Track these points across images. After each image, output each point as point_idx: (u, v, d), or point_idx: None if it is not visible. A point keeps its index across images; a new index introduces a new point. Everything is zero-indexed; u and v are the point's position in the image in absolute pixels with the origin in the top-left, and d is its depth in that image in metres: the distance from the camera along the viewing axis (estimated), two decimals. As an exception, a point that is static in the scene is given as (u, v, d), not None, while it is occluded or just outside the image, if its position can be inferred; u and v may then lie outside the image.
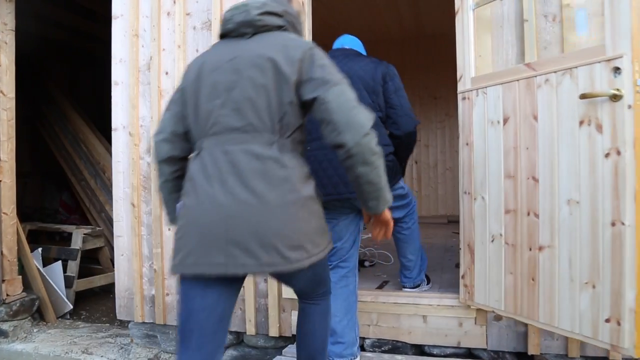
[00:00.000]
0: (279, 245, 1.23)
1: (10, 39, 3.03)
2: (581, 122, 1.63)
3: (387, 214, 1.43)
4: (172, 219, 1.53)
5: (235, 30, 1.37)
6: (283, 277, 1.49)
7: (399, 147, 2.10)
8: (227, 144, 1.29)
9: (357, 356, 2.00)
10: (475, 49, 2.12)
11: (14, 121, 3.05)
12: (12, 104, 3.04)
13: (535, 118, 1.78)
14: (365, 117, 1.28)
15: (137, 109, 2.59)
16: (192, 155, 1.40)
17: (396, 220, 2.28)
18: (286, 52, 1.29)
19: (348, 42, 2.31)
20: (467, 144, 2.10)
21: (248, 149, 1.27)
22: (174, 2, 2.52)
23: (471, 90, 2.07)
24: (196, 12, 2.50)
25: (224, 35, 1.41)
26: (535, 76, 1.78)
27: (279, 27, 1.38)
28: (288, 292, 2.36)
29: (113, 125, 2.65)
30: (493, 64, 2.15)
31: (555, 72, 1.71)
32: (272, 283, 2.37)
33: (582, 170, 1.63)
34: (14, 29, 3.04)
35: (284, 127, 1.30)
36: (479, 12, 2.13)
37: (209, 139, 1.32)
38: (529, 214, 1.82)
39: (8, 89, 3.02)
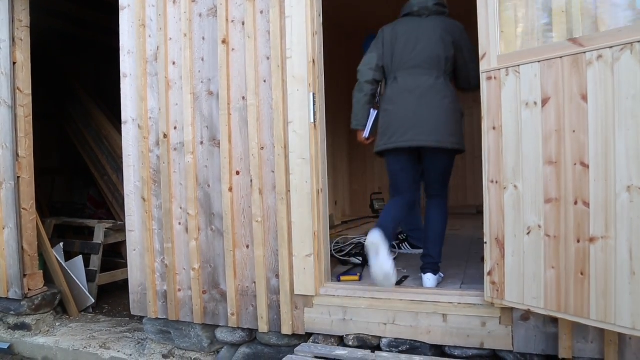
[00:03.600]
0: (444, 132, 2.18)
1: (25, 35, 3.03)
2: None
3: None
4: (358, 124, 2.39)
5: (417, 11, 2.30)
6: (436, 159, 2.29)
7: None
8: (414, 74, 2.24)
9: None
10: (500, 23, 1.93)
11: (31, 117, 3.06)
12: (28, 100, 3.05)
13: (584, 98, 1.64)
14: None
15: (145, 101, 2.53)
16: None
17: None
18: (449, 27, 2.27)
19: None
20: (493, 128, 1.94)
21: (426, 77, 2.22)
22: (179, -12, 2.44)
23: (499, 69, 1.91)
24: (202, -2, 2.41)
25: (407, 15, 2.33)
26: (584, 52, 1.64)
27: (443, 13, 2.31)
28: (300, 289, 2.26)
29: (123, 119, 2.60)
30: (519, 40, 1.96)
31: (610, 47, 1.56)
32: (284, 279, 2.27)
33: None
34: (28, 26, 3.04)
35: (446, 69, 2.25)
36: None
37: (403, 71, 2.27)
38: (576, 203, 1.67)
39: (24, 86, 3.03)
